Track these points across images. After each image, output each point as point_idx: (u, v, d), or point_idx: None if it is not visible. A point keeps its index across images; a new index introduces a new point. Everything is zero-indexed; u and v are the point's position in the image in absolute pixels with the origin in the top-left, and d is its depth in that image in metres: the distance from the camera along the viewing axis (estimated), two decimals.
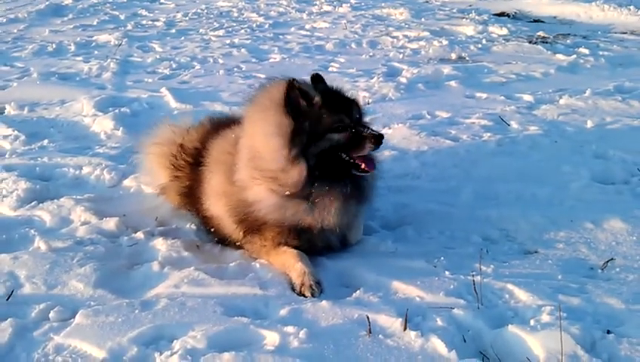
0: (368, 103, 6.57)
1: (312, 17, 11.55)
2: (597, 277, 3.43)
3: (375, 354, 2.84)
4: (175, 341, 2.95)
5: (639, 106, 6.14)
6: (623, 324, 3.00)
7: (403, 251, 3.72)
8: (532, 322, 3.01)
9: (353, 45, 9.33)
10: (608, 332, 2.93)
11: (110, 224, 4.11)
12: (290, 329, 2.98)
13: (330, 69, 8.10)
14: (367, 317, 3.03)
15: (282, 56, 8.78)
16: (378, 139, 3.49)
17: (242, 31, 10.53)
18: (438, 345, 2.86)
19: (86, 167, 5.00)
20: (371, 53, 8.83)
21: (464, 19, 10.76)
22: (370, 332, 2.97)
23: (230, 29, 10.69)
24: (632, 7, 10.89)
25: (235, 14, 12.08)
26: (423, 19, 10.99)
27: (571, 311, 3.07)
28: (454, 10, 11.67)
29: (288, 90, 3.48)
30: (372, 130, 3.53)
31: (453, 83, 7.20)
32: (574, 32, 9.78)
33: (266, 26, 10.87)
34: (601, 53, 8.37)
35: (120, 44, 9.57)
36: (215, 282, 3.42)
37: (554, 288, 3.29)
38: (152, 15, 12.18)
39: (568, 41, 9.18)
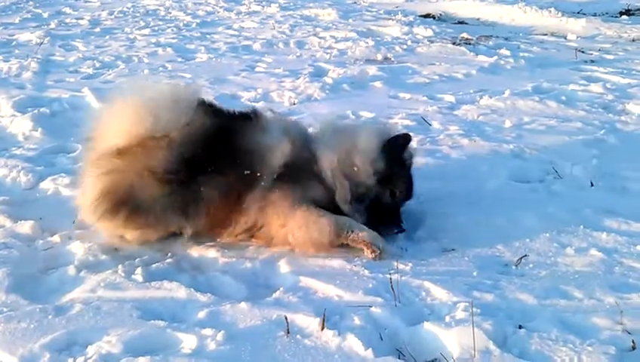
0: (294, 104, 6.59)
1: (241, 17, 11.51)
2: (511, 274, 3.51)
3: (292, 355, 2.85)
4: (89, 346, 2.89)
5: (556, 107, 6.32)
6: (535, 319, 3.07)
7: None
8: (447, 319, 3.06)
9: (281, 45, 9.34)
10: (520, 327, 3.00)
11: (25, 227, 3.99)
12: (207, 331, 2.97)
13: (257, 68, 8.08)
14: (286, 318, 3.04)
15: (209, 56, 8.72)
16: None
17: (169, 30, 10.41)
18: (354, 343, 2.89)
19: (1, 169, 4.85)
20: (298, 54, 8.85)
21: (390, 21, 10.88)
22: (288, 333, 2.98)
23: (156, 28, 10.55)
24: (552, 9, 11.21)
25: (162, 13, 11.93)
26: (350, 20, 11.08)
27: (485, 307, 3.14)
28: (381, 12, 11.79)
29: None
30: None
31: (377, 83, 7.27)
32: (497, 34, 10.00)
33: (193, 25, 10.76)
34: (521, 54, 8.58)
35: (42, 43, 9.32)
36: (132, 285, 3.37)
37: (469, 285, 3.36)
38: (76, 13, 11.92)
39: (490, 42, 9.39)
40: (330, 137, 3.96)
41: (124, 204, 3.70)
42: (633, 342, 2.86)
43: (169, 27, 10.62)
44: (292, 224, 3.69)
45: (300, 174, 3.81)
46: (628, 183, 4.62)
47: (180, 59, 8.54)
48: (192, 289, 3.32)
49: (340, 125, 4.17)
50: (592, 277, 3.42)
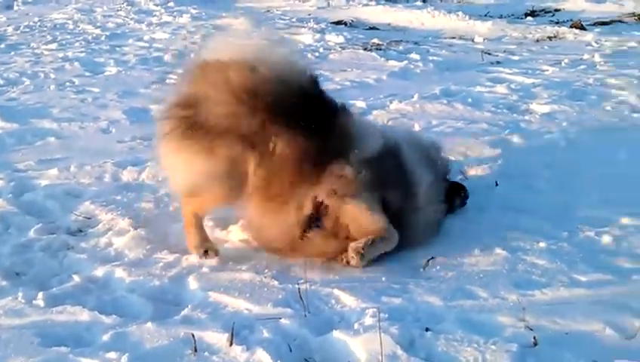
0: None
1: (152, 28, 11.33)
2: (419, 277, 3.55)
3: None
4: None
5: (462, 109, 6.45)
6: (442, 321, 3.12)
7: (232, 265, 3.71)
8: (356, 325, 3.07)
9: (193, 56, 9.21)
10: (427, 329, 3.04)
11: None
12: (112, 355, 2.90)
13: (168, 80, 7.95)
14: (193, 336, 2.99)
15: (118, 69, 8.55)
16: None
17: (77, 44, 10.15)
18: (263, 357, 2.87)
19: None
20: None
21: (303, 28, 10.91)
22: (195, 351, 2.93)
23: (64, 42, 10.28)
24: (460, 13, 11.46)
25: (71, 27, 11.63)
26: (263, 29, 11.05)
27: (393, 312, 3.17)
28: (294, 20, 11.82)
29: None
30: None
31: None
32: (407, 39, 10.14)
33: (103, 38, 10.53)
34: (430, 58, 8.74)
35: None
36: (33, 311, 3.26)
37: (378, 290, 3.39)
38: None
39: (401, 47, 9.53)
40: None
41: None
42: (535, 338, 2.93)
43: (77, 41, 10.36)
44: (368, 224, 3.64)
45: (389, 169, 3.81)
46: (532, 181, 4.75)
47: (88, 74, 8.34)
48: (97, 312, 3.24)
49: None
50: (496, 276, 3.50)
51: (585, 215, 4.18)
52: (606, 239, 3.86)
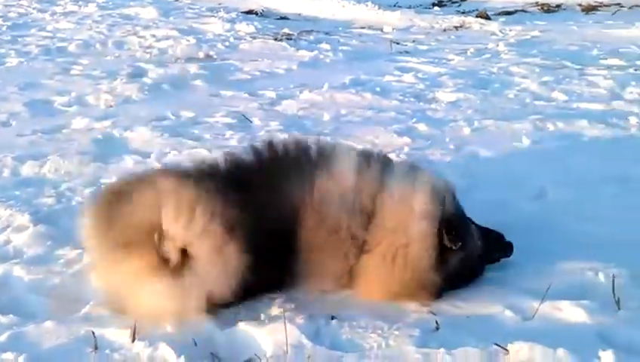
0: (111, 106, 6.38)
1: (55, 18, 10.98)
2: None
3: None
4: None
5: (371, 98, 6.51)
6: (347, 309, 3.13)
7: None
8: (262, 317, 3.07)
9: (98, 46, 9.01)
10: (332, 318, 3.05)
11: None
12: (8, 355, 2.80)
13: (72, 71, 7.74)
14: (93, 333, 2.92)
15: (20, 60, 8.24)
16: None
17: None
18: (166, 352, 2.82)
19: None
20: (117, 54, 8.59)
21: (212, 18, 10.79)
22: (96, 348, 2.86)
23: None
24: (369, 3, 11.56)
25: None
26: (171, 18, 10.89)
27: (299, 301, 3.17)
28: (203, 9, 11.66)
29: None
30: None
31: (198, 82, 7.18)
32: (317, 29, 10.16)
33: (4, 28, 10.13)
34: (340, 48, 8.79)
35: None
36: None
37: None
38: None
39: (311, 37, 9.54)
40: None
41: None
42: (437, 322, 2.98)
43: None
44: None
45: None
46: (436, 167, 4.79)
47: None
48: None
49: None
50: None
51: (486, 199, 4.26)
52: (507, 222, 3.95)
